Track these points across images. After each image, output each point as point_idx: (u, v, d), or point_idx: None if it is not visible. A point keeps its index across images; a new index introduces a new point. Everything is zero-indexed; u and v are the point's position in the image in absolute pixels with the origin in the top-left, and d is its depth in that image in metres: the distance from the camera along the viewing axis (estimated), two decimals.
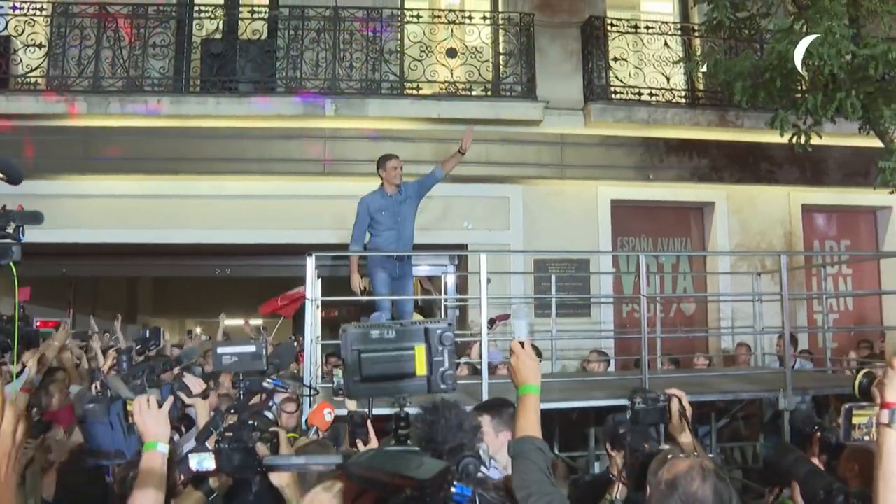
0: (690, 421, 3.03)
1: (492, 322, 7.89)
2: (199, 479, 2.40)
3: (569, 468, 6.77)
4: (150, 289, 15.10)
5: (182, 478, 2.74)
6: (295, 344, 7.79)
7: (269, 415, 2.46)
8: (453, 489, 1.37)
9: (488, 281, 6.41)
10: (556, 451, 7.15)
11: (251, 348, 2.39)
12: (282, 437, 2.35)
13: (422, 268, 11.23)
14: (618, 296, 10.84)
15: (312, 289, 6.14)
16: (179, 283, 13.66)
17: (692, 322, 11.46)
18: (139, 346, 2.96)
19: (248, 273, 11.51)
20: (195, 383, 3.26)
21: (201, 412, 3.41)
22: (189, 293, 14.85)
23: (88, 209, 9.89)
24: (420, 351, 1.52)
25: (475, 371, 7.41)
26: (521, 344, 2.56)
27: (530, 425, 2.50)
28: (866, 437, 2.15)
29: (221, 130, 9.98)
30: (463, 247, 10.31)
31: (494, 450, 3.21)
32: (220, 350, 2.39)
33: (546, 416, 6.75)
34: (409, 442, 1.53)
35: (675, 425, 3.02)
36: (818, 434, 3.20)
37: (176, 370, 3.66)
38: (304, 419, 4.76)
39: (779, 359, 8.81)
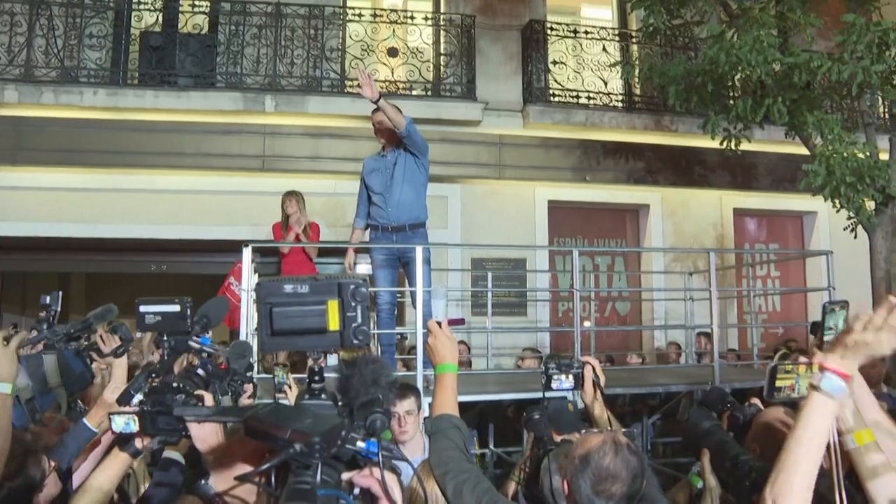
0: (603, 390, 3.06)
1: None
2: (123, 440, 2.37)
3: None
4: (83, 285, 14.77)
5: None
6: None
7: (201, 371, 2.42)
8: (361, 444, 1.39)
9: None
10: (492, 447, 7.25)
11: (175, 307, 2.37)
12: (206, 400, 2.31)
13: (359, 266, 11.25)
14: (552, 289, 10.97)
15: (248, 281, 6.11)
16: (114, 279, 13.35)
17: (626, 322, 11.67)
18: (41, 314, 2.91)
19: (185, 269, 11.34)
20: (110, 342, 3.18)
21: (117, 371, 3.32)
22: (124, 290, 14.44)
23: (19, 202, 9.65)
24: (333, 306, 1.51)
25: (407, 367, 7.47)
26: (439, 324, 2.57)
27: (448, 403, 2.53)
28: (792, 395, 2.21)
29: (159, 124, 9.83)
30: None
31: None
32: (142, 309, 2.36)
33: (481, 411, 6.82)
34: (322, 395, 1.53)
35: (587, 392, 3.03)
36: (728, 412, 3.27)
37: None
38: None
39: (697, 356, 9.09)
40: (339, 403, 1.58)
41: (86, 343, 3.11)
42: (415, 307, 6.11)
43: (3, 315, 12.14)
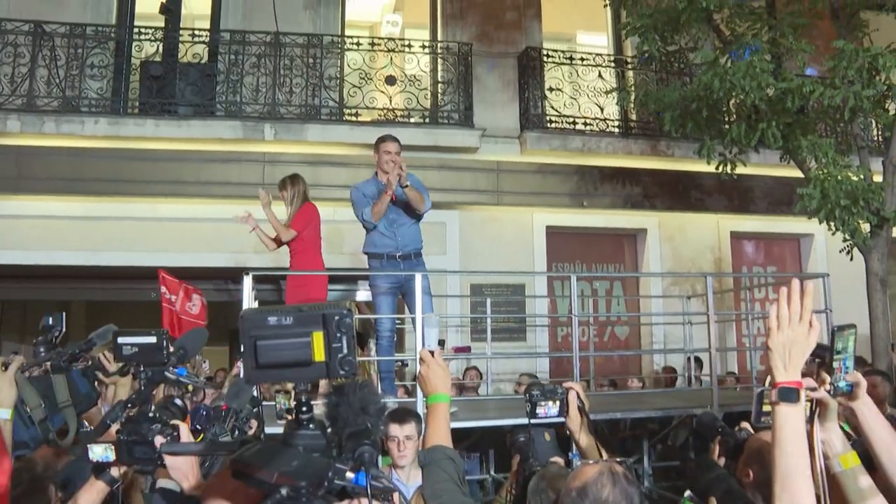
0: (589, 416, 3.05)
1: (443, 343, 7.90)
2: (99, 468, 2.39)
3: None
4: (83, 313, 14.79)
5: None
6: (238, 365, 7.70)
7: (179, 402, 2.45)
8: (350, 475, 1.39)
9: None
10: (492, 472, 7.26)
11: (151, 339, 2.39)
12: (182, 431, 2.34)
13: (359, 293, 11.29)
14: (550, 315, 10.99)
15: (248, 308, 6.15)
16: (114, 307, 13.39)
17: (626, 346, 11.68)
18: (42, 336, 2.93)
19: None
20: (114, 361, 3.15)
21: (121, 391, 3.31)
22: (124, 317, 14.51)
23: (20, 230, 9.71)
24: (318, 337, 1.49)
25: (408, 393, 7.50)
26: (432, 353, 2.55)
27: (440, 434, 2.51)
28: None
29: (159, 153, 9.92)
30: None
31: None
32: (120, 340, 2.38)
33: (482, 436, 6.81)
34: (311, 426, 1.52)
35: (573, 418, 2.98)
36: (719, 437, 3.30)
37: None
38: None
39: (695, 379, 9.12)
40: (329, 431, 1.58)
41: (90, 363, 3.14)
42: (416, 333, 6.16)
43: (3, 343, 12.16)
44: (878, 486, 2.10)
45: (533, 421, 2.98)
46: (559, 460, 3.07)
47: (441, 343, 7.46)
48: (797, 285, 1.89)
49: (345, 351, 1.51)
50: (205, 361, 9.30)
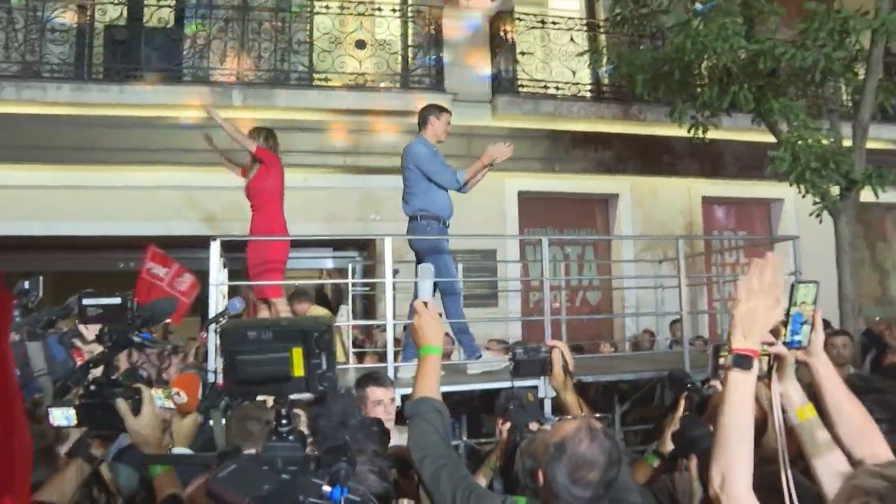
0: (572, 374, 3.05)
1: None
2: (74, 447, 2.34)
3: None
4: (50, 284, 14.57)
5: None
6: (202, 335, 7.64)
7: (143, 373, 2.43)
8: (327, 488, 1.40)
9: (395, 271, 6.46)
10: (464, 438, 7.26)
11: (117, 300, 2.35)
12: (145, 396, 2.30)
13: (328, 260, 11.24)
14: (522, 278, 10.99)
15: (217, 275, 6.07)
16: (81, 277, 13.19)
17: (598, 310, 11.73)
18: (21, 300, 2.86)
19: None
20: (93, 329, 3.14)
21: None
22: (91, 287, 14.27)
23: None
24: (297, 353, 1.51)
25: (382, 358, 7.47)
26: (425, 304, 2.55)
27: (429, 386, 2.50)
28: None
29: (125, 119, 9.73)
30: (371, 240, 10.34)
31: None
32: (84, 301, 2.34)
33: (453, 402, 6.83)
34: (290, 438, 1.53)
35: (556, 376, 3.01)
36: (686, 392, 3.34)
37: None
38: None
39: (669, 343, 9.19)
40: (309, 442, 1.58)
41: (68, 329, 3.07)
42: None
43: None
44: None
45: (516, 382, 2.98)
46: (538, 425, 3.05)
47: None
48: (773, 260, 1.91)
49: (324, 367, 1.53)
50: (171, 333, 9.24)
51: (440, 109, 6.69)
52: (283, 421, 1.54)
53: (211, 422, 2.84)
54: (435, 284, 6.35)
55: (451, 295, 6.60)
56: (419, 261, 6.50)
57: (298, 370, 1.51)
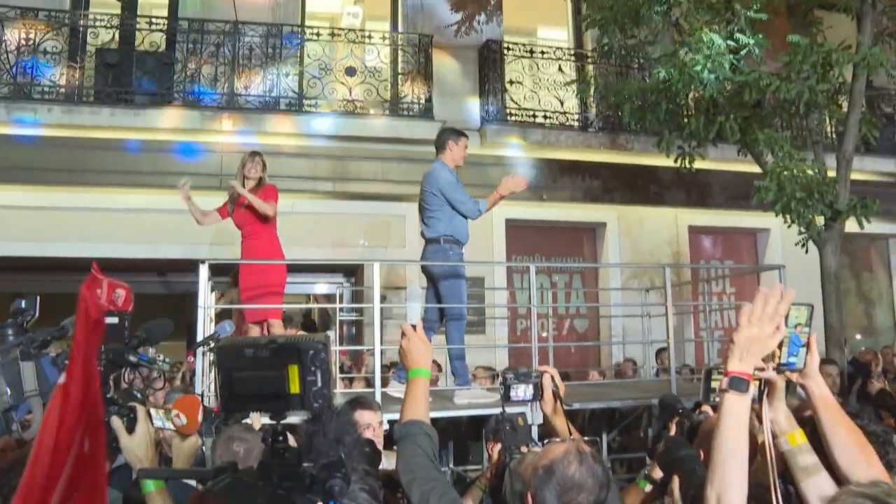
0: (563, 399, 3.05)
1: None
2: None
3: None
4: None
5: None
6: (190, 359, 7.60)
7: (137, 394, 2.42)
8: None
9: (383, 297, 6.47)
10: (451, 466, 7.23)
11: (113, 320, 2.36)
12: (140, 413, 2.31)
13: (318, 285, 11.23)
14: (509, 305, 10.99)
15: (205, 298, 6.07)
16: (69, 299, 13.15)
17: (585, 339, 11.73)
18: (15, 319, 2.84)
19: (141, 290, 11.04)
20: None
21: None
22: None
23: None
24: (293, 370, 1.53)
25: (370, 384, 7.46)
26: (413, 327, 2.56)
27: (419, 409, 2.51)
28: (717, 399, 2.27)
29: (115, 142, 9.75)
30: (359, 265, 10.35)
31: None
32: None
33: (440, 428, 6.82)
34: (286, 454, 1.54)
35: (547, 402, 3.01)
36: (677, 417, 3.35)
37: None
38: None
39: (656, 371, 9.20)
40: (304, 461, 1.58)
41: (62, 351, 3.06)
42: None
43: None
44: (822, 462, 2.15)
45: (507, 406, 2.98)
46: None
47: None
48: (780, 291, 1.94)
49: (319, 384, 1.54)
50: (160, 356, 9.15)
51: (458, 133, 6.82)
52: (279, 438, 1.55)
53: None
54: (441, 310, 6.48)
55: (458, 321, 6.62)
56: (433, 284, 6.61)
57: (294, 387, 1.53)
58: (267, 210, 6.84)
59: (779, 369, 2.06)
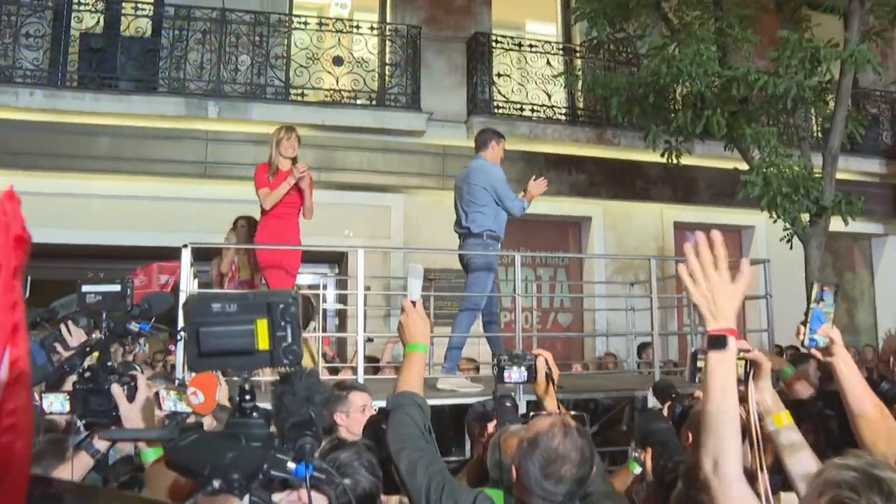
0: (555, 382, 3.07)
1: (371, 340, 7.99)
2: (83, 440, 2.31)
3: None
4: None
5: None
6: (171, 347, 7.56)
7: (137, 367, 2.41)
8: (291, 465, 1.37)
9: (367, 288, 6.45)
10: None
11: (116, 287, 2.34)
12: (140, 381, 2.28)
13: (302, 276, 11.16)
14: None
15: (187, 282, 6.00)
16: (50, 286, 13.06)
17: (569, 332, 11.75)
18: None
19: (124, 276, 11.12)
20: (77, 334, 3.11)
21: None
22: (59, 297, 14.07)
23: None
24: (262, 325, 1.47)
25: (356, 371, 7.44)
26: (413, 303, 2.58)
27: (412, 381, 2.53)
28: None
29: (98, 128, 9.65)
30: (343, 255, 10.32)
31: None
32: (84, 288, 2.33)
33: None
34: (254, 414, 1.49)
35: (540, 384, 3.05)
36: (670, 403, 3.36)
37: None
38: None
39: (638, 365, 9.23)
40: (273, 420, 1.55)
41: (50, 333, 3.04)
42: None
43: None
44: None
45: (500, 385, 3.00)
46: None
47: (370, 340, 7.49)
48: (702, 237, 1.90)
49: (289, 340, 1.48)
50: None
51: (499, 134, 6.90)
52: (247, 397, 1.51)
53: None
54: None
55: (470, 311, 6.73)
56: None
57: (263, 343, 1.47)
58: (312, 208, 6.84)
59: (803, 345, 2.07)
